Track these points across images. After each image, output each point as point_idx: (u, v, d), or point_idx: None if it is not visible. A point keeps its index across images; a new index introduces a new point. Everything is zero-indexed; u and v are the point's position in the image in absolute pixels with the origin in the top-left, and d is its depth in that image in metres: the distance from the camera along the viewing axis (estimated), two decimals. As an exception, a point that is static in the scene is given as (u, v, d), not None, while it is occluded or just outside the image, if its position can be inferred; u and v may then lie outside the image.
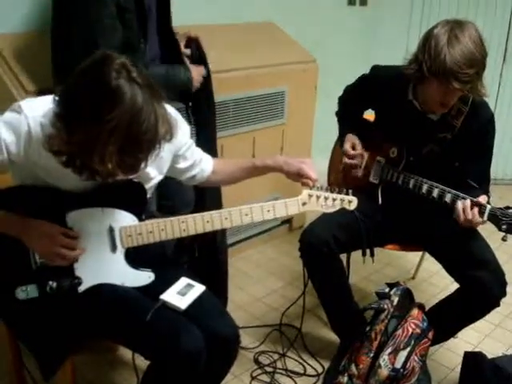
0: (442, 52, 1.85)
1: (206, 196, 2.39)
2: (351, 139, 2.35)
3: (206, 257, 2.46)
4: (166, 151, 1.60)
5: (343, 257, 2.25)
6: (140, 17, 2.06)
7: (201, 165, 1.83)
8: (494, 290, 2.03)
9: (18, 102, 1.46)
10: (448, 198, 2.04)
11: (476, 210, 1.93)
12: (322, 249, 2.12)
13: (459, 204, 1.97)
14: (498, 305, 2.06)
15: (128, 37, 2.02)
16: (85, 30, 1.94)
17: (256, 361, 2.36)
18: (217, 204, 2.46)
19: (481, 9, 4.18)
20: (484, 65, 1.92)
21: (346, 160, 2.34)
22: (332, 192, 1.76)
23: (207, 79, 2.32)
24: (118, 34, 1.97)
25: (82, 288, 1.57)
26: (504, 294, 2.06)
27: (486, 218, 1.91)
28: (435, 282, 3.02)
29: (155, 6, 2.18)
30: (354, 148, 2.33)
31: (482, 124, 2.09)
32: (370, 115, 2.46)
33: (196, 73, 2.21)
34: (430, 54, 1.88)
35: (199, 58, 2.31)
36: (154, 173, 1.66)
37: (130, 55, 1.94)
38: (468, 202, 1.95)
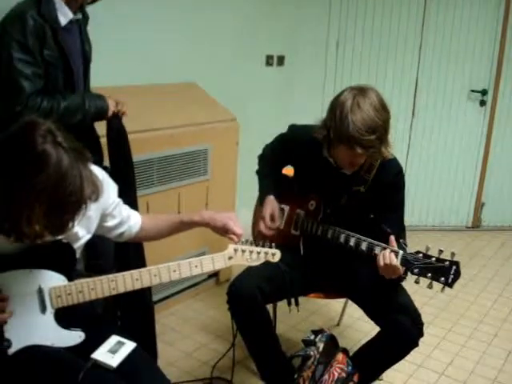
0: (345, 120, 1.99)
1: (130, 252, 2.41)
2: (271, 207, 2.38)
3: (132, 314, 2.46)
4: (93, 210, 1.65)
5: (270, 307, 2.32)
6: (66, 74, 2.15)
7: (129, 222, 1.87)
8: (411, 330, 2.15)
9: None
10: (364, 246, 2.16)
11: (393, 254, 2.04)
12: (249, 300, 2.18)
13: (378, 251, 2.09)
14: (417, 344, 2.18)
15: (52, 90, 2.09)
16: (9, 74, 2.00)
17: (188, 416, 2.37)
18: (140, 259, 2.48)
19: (390, 67, 4.49)
20: (385, 130, 2.06)
21: (262, 229, 2.35)
22: (256, 246, 1.84)
23: (125, 140, 2.38)
24: (40, 82, 2.04)
25: (11, 350, 1.56)
26: (421, 334, 2.18)
27: (399, 262, 2.03)
28: (358, 327, 3.14)
29: (82, 70, 2.27)
30: (272, 218, 2.38)
31: (391, 177, 2.24)
32: (289, 170, 2.59)
33: (111, 101, 2.27)
34: (336, 122, 2.03)
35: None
36: (82, 232, 1.69)
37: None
38: (387, 250, 2.06)
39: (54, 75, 2.10)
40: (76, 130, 1.56)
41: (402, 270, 2.04)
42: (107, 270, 2.15)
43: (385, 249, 2.07)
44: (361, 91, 2.06)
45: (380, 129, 2.03)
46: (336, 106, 2.06)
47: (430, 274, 2.00)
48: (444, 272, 1.98)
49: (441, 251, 2.00)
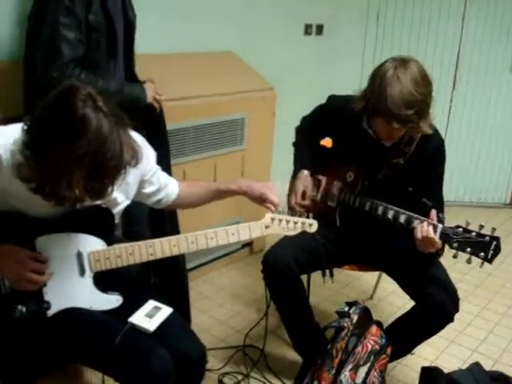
0: (383, 93, 1.94)
1: (164, 219, 2.43)
2: (304, 184, 2.35)
3: (166, 281, 2.49)
4: (132, 176, 1.65)
5: (304, 278, 2.32)
6: (110, 39, 2.14)
7: (166, 189, 1.88)
8: (447, 305, 2.12)
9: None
10: (402, 219, 2.13)
11: (431, 227, 2.01)
12: (284, 270, 2.18)
13: (417, 224, 2.05)
14: (452, 320, 2.15)
15: (94, 56, 2.09)
16: (51, 36, 2.00)
17: (220, 382, 2.39)
18: (174, 227, 2.49)
19: (431, 38, 4.38)
20: (426, 104, 1.98)
21: (293, 203, 2.33)
22: (293, 215, 1.83)
23: (159, 112, 2.39)
24: (81, 48, 2.04)
25: (50, 312, 1.59)
26: (457, 309, 2.15)
27: (438, 236, 1.99)
28: (392, 301, 3.12)
29: (123, 33, 2.26)
30: (303, 196, 2.34)
31: (432, 150, 2.18)
32: (327, 141, 2.55)
33: (150, 90, 2.30)
34: (375, 94, 1.98)
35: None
36: (121, 198, 1.70)
37: (92, 72, 2.00)
38: (425, 223, 2.03)
39: (97, 40, 2.09)
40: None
41: (439, 243, 2.00)
42: (145, 236, 2.17)
43: (423, 222, 2.04)
44: (402, 63, 1.99)
45: (419, 103, 1.95)
46: (376, 77, 2.01)
47: (469, 249, 1.96)
48: (484, 247, 1.94)
49: (481, 226, 1.96)
